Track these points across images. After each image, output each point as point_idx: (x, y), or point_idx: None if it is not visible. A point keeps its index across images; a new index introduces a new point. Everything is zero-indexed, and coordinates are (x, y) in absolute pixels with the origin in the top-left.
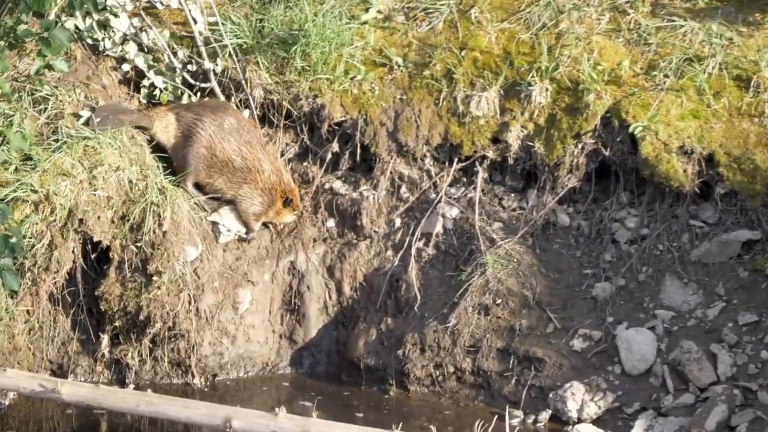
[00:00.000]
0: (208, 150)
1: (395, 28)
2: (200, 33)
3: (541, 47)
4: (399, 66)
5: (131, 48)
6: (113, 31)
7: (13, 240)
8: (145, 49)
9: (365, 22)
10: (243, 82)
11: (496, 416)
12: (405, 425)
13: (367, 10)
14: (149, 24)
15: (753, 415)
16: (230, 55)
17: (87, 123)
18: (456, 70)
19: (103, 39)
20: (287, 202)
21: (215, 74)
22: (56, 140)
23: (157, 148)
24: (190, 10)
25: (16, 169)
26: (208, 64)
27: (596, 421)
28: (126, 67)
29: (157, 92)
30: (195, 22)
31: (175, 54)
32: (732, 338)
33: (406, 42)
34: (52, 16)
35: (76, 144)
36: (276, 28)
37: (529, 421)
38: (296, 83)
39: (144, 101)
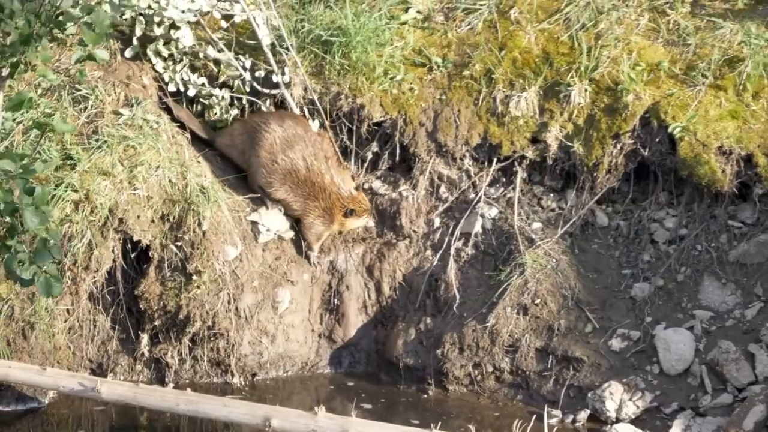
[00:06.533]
0: (270, 155)
1: (435, 28)
2: (268, 45)
3: (581, 47)
4: (438, 66)
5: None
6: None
7: (51, 243)
8: (211, 63)
9: (405, 22)
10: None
11: (535, 416)
12: (444, 425)
13: (406, 10)
14: (212, 38)
15: None
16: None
17: None
18: (495, 70)
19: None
20: (348, 213)
21: (285, 85)
22: (96, 140)
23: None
24: (254, 18)
25: (57, 168)
26: (278, 77)
27: (634, 421)
28: (191, 92)
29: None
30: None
31: (245, 68)
32: None
33: (445, 42)
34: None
35: (116, 143)
36: (316, 27)
37: (568, 420)
38: (336, 83)
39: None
